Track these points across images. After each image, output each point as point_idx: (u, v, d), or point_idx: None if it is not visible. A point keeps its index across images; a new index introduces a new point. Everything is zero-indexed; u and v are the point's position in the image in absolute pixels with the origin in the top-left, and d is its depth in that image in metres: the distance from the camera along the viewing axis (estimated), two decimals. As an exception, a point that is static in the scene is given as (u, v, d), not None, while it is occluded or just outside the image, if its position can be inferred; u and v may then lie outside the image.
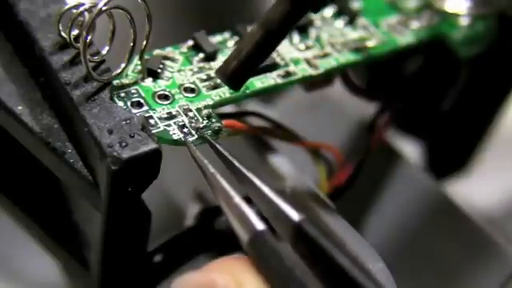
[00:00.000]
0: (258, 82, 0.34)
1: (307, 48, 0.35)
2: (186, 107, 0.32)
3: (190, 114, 0.32)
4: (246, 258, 0.28)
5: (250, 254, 0.28)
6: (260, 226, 0.28)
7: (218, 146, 0.31)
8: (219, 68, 0.31)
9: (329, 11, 0.37)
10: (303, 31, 0.36)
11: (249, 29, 0.34)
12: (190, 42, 0.34)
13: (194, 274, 0.28)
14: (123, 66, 0.32)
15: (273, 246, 0.28)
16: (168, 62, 0.33)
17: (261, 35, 0.30)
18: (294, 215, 0.29)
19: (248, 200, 0.30)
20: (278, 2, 0.30)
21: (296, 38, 0.36)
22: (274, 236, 0.28)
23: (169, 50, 0.34)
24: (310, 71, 0.35)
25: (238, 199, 0.29)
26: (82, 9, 0.31)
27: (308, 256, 0.28)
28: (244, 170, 0.30)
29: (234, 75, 0.31)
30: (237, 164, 0.30)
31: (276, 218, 0.29)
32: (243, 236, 0.28)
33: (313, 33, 0.36)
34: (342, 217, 0.33)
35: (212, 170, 0.30)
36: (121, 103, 0.31)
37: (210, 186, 0.30)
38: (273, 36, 0.30)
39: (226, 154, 0.30)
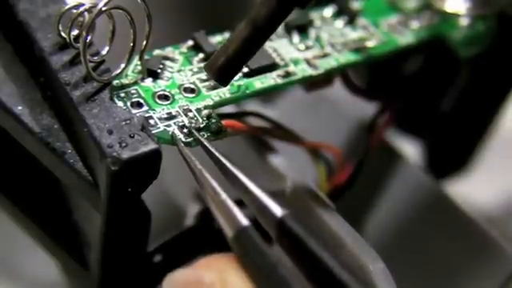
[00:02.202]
0: (258, 82, 0.34)
1: (307, 48, 0.35)
2: (185, 107, 0.32)
3: (190, 114, 0.32)
4: (233, 255, 0.29)
5: (235, 250, 0.29)
6: (244, 222, 0.29)
7: (206, 142, 0.31)
8: (207, 63, 0.31)
9: (329, 11, 0.37)
10: (303, 31, 0.36)
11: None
12: (190, 42, 0.34)
13: (182, 271, 0.29)
14: (123, 66, 0.32)
15: (256, 243, 0.28)
16: (168, 62, 0.33)
17: (248, 32, 0.30)
18: (277, 210, 0.29)
19: (240, 203, 0.30)
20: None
21: (296, 38, 0.36)
22: (258, 233, 0.29)
23: (169, 50, 0.34)
24: (310, 71, 0.35)
25: (224, 196, 0.29)
26: (81, 9, 0.31)
27: (292, 252, 0.29)
28: (230, 166, 0.30)
29: (222, 71, 0.31)
30: (223, 160, 0.30)
31: (261, 214, 0.29)
32: (228, 232, 0.29)
33: (313, 33, 0.36)
34: (341, 217, 0.33)
35: (199, 166, 0.30)
36: (121, 103, 0.31)
37: (197, 182, 0.30)
38: (260, 33, 0.30)
39: (213, 150, 0.30)
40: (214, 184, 0.29)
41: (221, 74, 0.31)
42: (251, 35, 0.30)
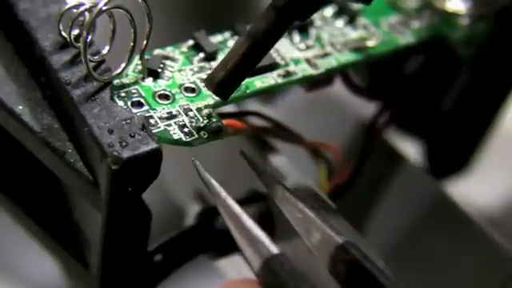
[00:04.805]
0: (258, 82, 0.34)
1: (307, 48, 0.35)
2: (186, 107, 0.32)
3: (191, 113, 0.32)
4: (253, 281, 0.28)
5: (264, 278, 0.28)
6: (275, 249, 0.28)
7: (255, 160, 0.31)
8: (207, 78, 0.31)
9: (329, 11, 0.37)
10: (303, 31, 0.36)
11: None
12: (191, 42, 0.34)
13: None
14: (123, 65, 0.32)
15: (289, 270, 0.27)
16: (168, 62, 0.33)
17: (247, 46, 0.30)
18: (337, 237, 0.29)
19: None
20: (263, 13, 0.30)
21: (296, 37, 0.36)
22: (289, 260, 0.28)
23: (169, 50, 0.34)
24: (311, 71, 0.35)
25: (250, 222, 0.28)
26: (82, 9, 0.31)
27: (346, 278, 0.28)
28: (285, 191, 0.30)
29: (222, 85, 0.31)
30: (280, 185, 0.30)
31: (316, 239, 0.29)
32: (255, 260, 0.28)
33: (313, 32, 0.36)
34: (342, 217, 0.33)
35: (223, 193, 0.29)
36: (121, 103, 0.31)
37: (220, 208, 0.29)
38: (259, 47, 0.31)
39: (269, 174, 0.30)
40: (239, 210, 0.29)
41: (220, 88, 0.31)
42: (250, 49, 0.30)
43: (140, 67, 0.33)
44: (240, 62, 0.31)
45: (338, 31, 0.36)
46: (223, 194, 0.29)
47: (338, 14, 0.37)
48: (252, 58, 0.31)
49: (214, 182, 0.30)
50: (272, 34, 0.31)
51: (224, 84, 0.31)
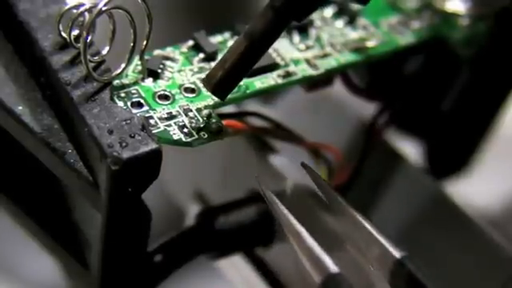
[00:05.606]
0: (258, 82, 0.34)
1: (307, 48, 0.35)
2: (186, 107, 0.32)
3: (191, 114, 0.32)
4: None
5: None
6: (334, 268, 0.28)
7: (315, 173, 0.31)
8: (205, 78, 0.31)
9: (329, 11, 0.37)
10: (303, 31, 0.36)
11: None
12: (190, 42, 0.34)
13: None
14: (123, 66, 0.32)
15: None
16: (168, 62, 0.33)
17: (245, 46, 0.30)
18: (395, 252, 0.29)
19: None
20: (261, 13, 0.30)
21: (296, 37, 0.36)
22: (347, 279, 0.28)
23: (169, 50, 0.34)
24: (310, 71, 0.35)
25: (311, 241, 0.29)
26: (82, 9, 0.31)
27: None
28: (343, 203, 0.30)
29: (220, 85, 0.31)
30: (338, 197, 0.30)
31: (374, 252, 0.29)
32: (316, 278, 0.29)
33: (313, 33, 0.36)
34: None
35: (285, 210, 0.30)
36: (121, 103, 0.31)
37: (282, 225, 0.30)
38: (257, 47, 0.31)
39: (328, 187, 0.31)
40: (301, 229, 0.29)
41: (218, 88, 0.31)
42: (248, 49, 0.31)
43: (140, 68, 0.33)
44: (238, 62, 0.31)
45: (337, 31, 0.36)
46: (285, 211, 0.30)
47: (337, 15, 0.37)
48: (250, 58, 0.31)
49: (276, 199, 0.30)
50: (269, 34, 0.31)
51: (222, 84, 0.31)
